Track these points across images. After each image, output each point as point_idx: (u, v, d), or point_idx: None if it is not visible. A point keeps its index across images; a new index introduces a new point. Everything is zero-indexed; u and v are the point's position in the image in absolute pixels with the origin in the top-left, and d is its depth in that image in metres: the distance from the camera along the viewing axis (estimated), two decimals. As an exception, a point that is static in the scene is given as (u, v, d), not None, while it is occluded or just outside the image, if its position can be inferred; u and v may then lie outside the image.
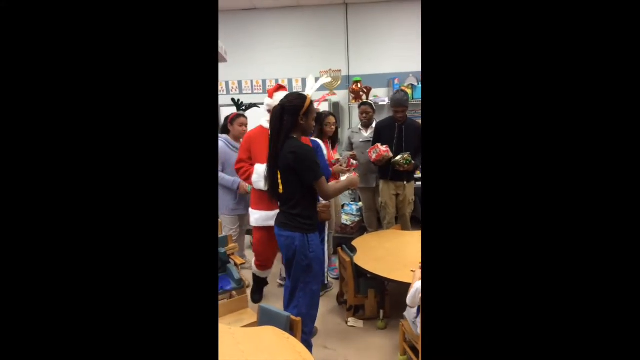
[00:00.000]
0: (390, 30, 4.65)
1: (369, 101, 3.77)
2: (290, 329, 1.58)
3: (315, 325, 2.20)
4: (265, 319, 1.66)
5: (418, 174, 3.61)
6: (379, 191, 3.40)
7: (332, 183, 2.07)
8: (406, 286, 1.91)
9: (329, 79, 4.34)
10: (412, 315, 1.96)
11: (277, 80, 4.81)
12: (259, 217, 2.62)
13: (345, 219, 3.65)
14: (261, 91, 4.90)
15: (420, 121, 3.27)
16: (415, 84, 4.45)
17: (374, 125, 3.41)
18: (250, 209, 2.70)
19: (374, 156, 3.08)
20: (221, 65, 2.28)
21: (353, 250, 2.64)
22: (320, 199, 2.06)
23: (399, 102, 3.12)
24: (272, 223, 2.12)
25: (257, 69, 4.88)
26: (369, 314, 2.57)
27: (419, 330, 1.84)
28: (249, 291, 2.77)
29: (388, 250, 2.65)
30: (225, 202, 3.01)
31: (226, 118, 3.15)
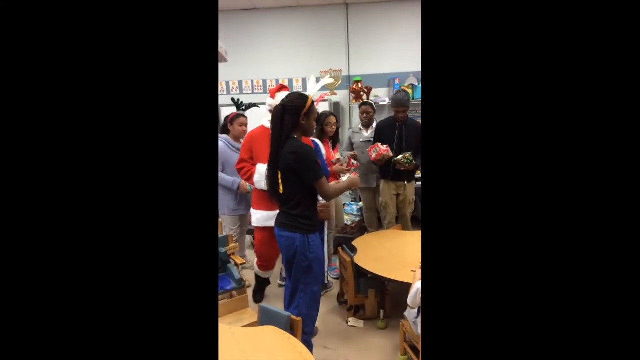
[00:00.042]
0: (391, 30, 4.65)
1: (370, 101, 3.77)
2: (290, 328, 1.58)
3: (316, 325, 2.20)
4: (266, 318, 1.66)
5: (419, 174, 3.61)
6: (379, 191, 3.40)
7: (333, 183, 2.07)
8: (407, 286, 1.91)
9: (331, 80, 4.34)
10: (412, 315, 1.96)
11: (277, 81, 4.82)
12: (260, 217, 2.61)
13: (346, 219, 3.65)
14: (262, 91, 4.90)
15: (420, 121, 3.27)
16: (416, 84, 4.45)
17: (374, 125, 3.41)
18: (251, 209, 2.70)
19: (373, 155, 3.08)
20: (221, 65, 2.28)
21: (353, 250, 2.64)
22: (320, 198, 2.05)
23: (401, 102, 3.12)
24: (273, 223, 2.12)
25: (258, 69, 4.88)
26: (370, 314, 2.57)
27: (419, 330, 1.84)
28: (249, 291, 2.77)
29: (388, 250, 2.65)
30: (225, 202, 3.00)
31: (226, 118, 3.14)
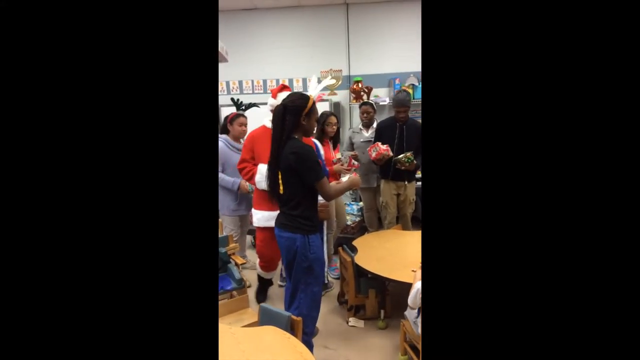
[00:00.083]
0: (391, 30, 4.65)
1: (370, 101, 3.77)
2: (291, 328, 1.58)
3: (316, 325, 2.20)
4: (266, 318, 1.66)
5: (419, 174, 3.61)
6: (380, 191, 3.40)
7: (334, 183, 2.06)
8: (407, 286, 1.91)
9: (333, 81, 4.35)
10: (413, 315, 1.96)
11: (278, 80, 4.82)
12: (261, 217, 2.61)
13: (346, 219, 3.65)
14: (262, 91, 4.91)
15: (420, 121, 3.27)
16: (416, 84, 4.45)
17: (374, 125, 3.41)
18: (252, 209, 2.70)
19: (373, 154, 3.08)
20: (222, 65, 2.28)
21: (354, 250, 2.64)
22: (319, 198, 2.05)
23: (402, 102, 3.12)
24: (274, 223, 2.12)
25: (258, 69, 4.88)
26: (370, 314, 2.57)
27: (419, 330, 1.84)
28: (249, 291, 2.77)
29: (389, 250, 2.65)
30: (225, 202, 3.00)
31: (225, 118, 3.13)
